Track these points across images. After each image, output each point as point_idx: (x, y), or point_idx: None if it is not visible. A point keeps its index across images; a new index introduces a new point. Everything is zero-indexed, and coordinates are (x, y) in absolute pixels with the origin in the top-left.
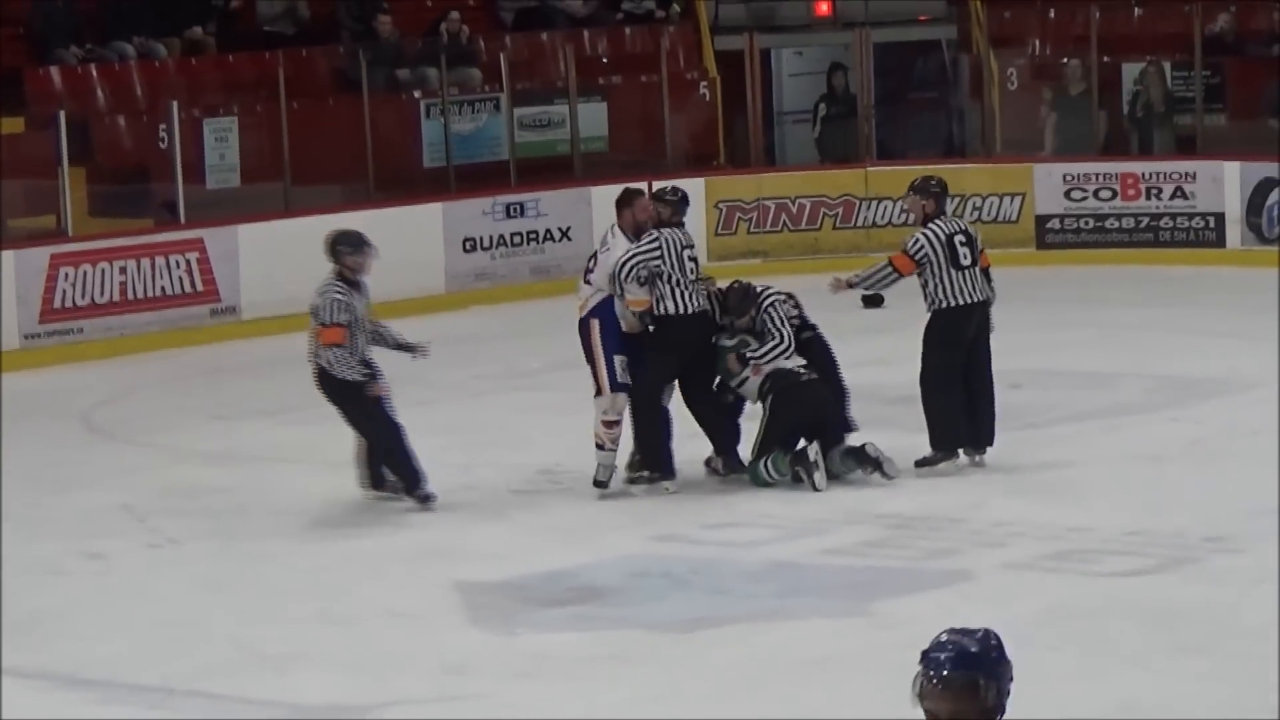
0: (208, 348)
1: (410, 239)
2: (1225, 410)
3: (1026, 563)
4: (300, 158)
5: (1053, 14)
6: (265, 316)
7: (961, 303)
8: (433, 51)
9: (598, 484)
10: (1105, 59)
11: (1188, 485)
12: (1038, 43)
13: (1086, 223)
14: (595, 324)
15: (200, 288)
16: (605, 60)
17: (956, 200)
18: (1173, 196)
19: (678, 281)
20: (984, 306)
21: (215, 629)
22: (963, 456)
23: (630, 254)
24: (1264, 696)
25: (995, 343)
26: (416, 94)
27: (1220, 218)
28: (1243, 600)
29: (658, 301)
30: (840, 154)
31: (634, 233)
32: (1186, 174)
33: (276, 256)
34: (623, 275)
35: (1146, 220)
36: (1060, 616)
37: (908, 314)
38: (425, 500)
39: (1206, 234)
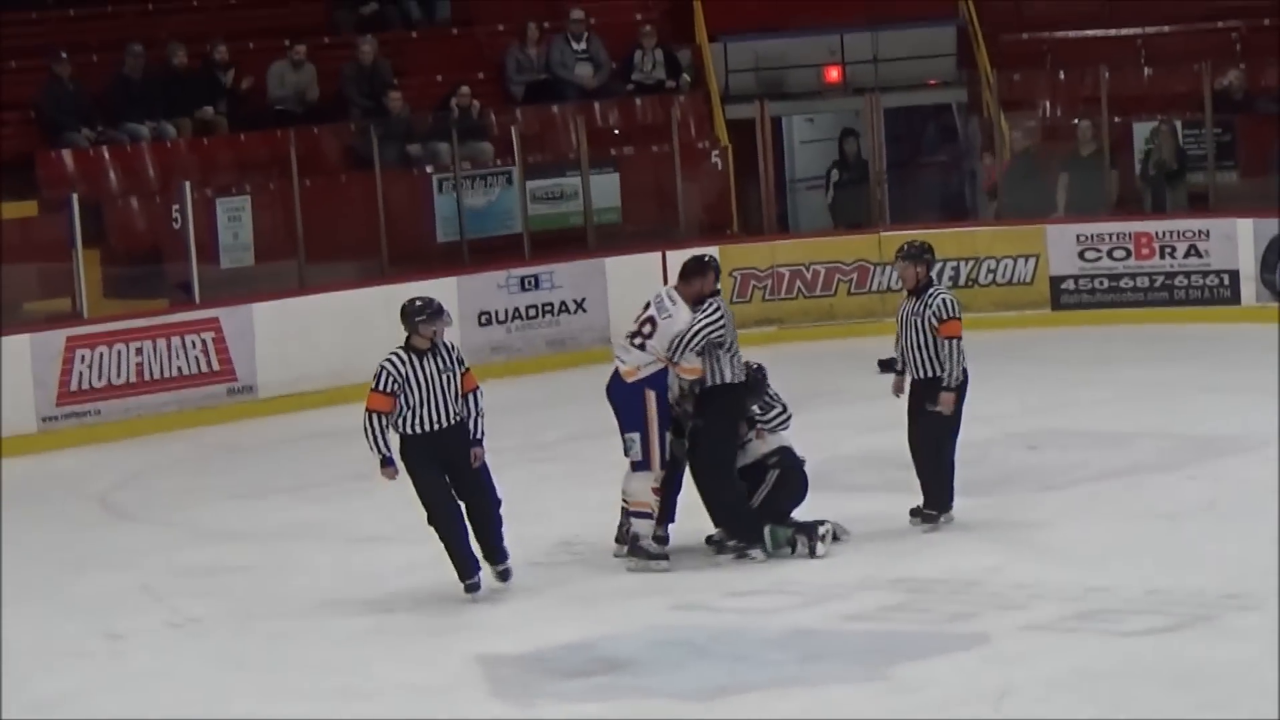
0: (225, 427)
1: None
2: (1242, 468)
3: (1046, 624)
4: (314, 235)
5: (1062, 75)
6: (282, 394)
7: (964, 370)
8: (444, 126)
9: (651, 555)
10: (1116, 119)
11: (1206, 543)
12: (1048, 104)
13: (1101, 283)
14: (651, 395)
15: (217, 367)
16: (617, 131)
17: (971, 263)
18: (1186, 255)
19: (736, 352)
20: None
21: (236, 708)
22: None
23: (701, 324)
24: None
25: (1014, 404)
26: (429, 169)
27: (1235, 275)
28: (1263, 657)
29: (714, 372)
30: (854, 219)
31: (694, 302)
32: (1200, 232)
33: (292, 334)
34: (694, 344)
35: (1161, 279)
36: (1081, 678)
37: None
38: (468, 590)
39: (1221, 291)
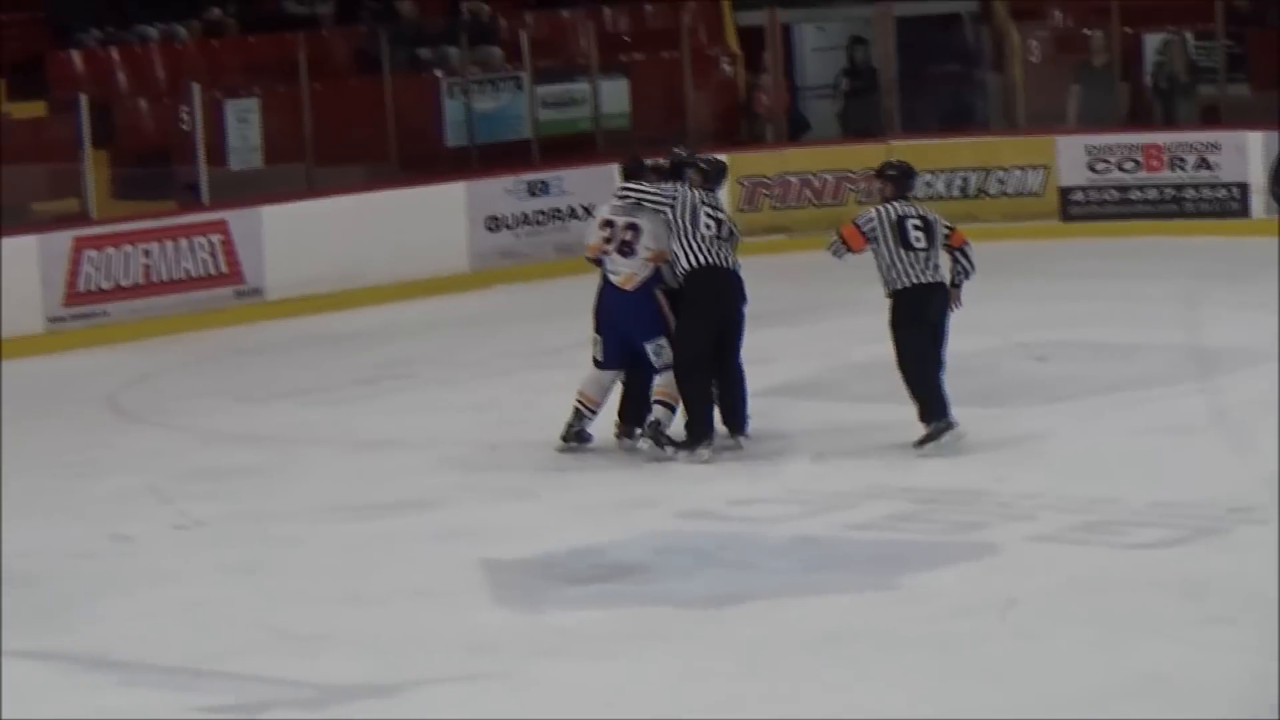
0: (232, 329)
1: (434, 218)
2: (1250, 381)
3: (1053, 535)
4: (323, 138)
5: None
6: (290, 297)
7: (916, 282)
8: (454, 30)
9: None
10: (1127, 30)
11: (1213, 457)
12: (1059, 14)
13: (1110, 194)
14: (661, 294)
15: (224, 269)
16: (627, 37)
17: (982, 174)
18: (1196, 167)
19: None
20: (942, 288)
21: (242, 610)
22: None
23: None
24: None
25: (1022, 315)
26: (438, 73)
27: (1244, 188)
28: (1270, 570)
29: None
30: (863, 128)
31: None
32: (1210, 144)
33: (300, 237)
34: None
35: (1171, 191)
36: (1087, 589)
37: None
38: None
39: (1231, 204)
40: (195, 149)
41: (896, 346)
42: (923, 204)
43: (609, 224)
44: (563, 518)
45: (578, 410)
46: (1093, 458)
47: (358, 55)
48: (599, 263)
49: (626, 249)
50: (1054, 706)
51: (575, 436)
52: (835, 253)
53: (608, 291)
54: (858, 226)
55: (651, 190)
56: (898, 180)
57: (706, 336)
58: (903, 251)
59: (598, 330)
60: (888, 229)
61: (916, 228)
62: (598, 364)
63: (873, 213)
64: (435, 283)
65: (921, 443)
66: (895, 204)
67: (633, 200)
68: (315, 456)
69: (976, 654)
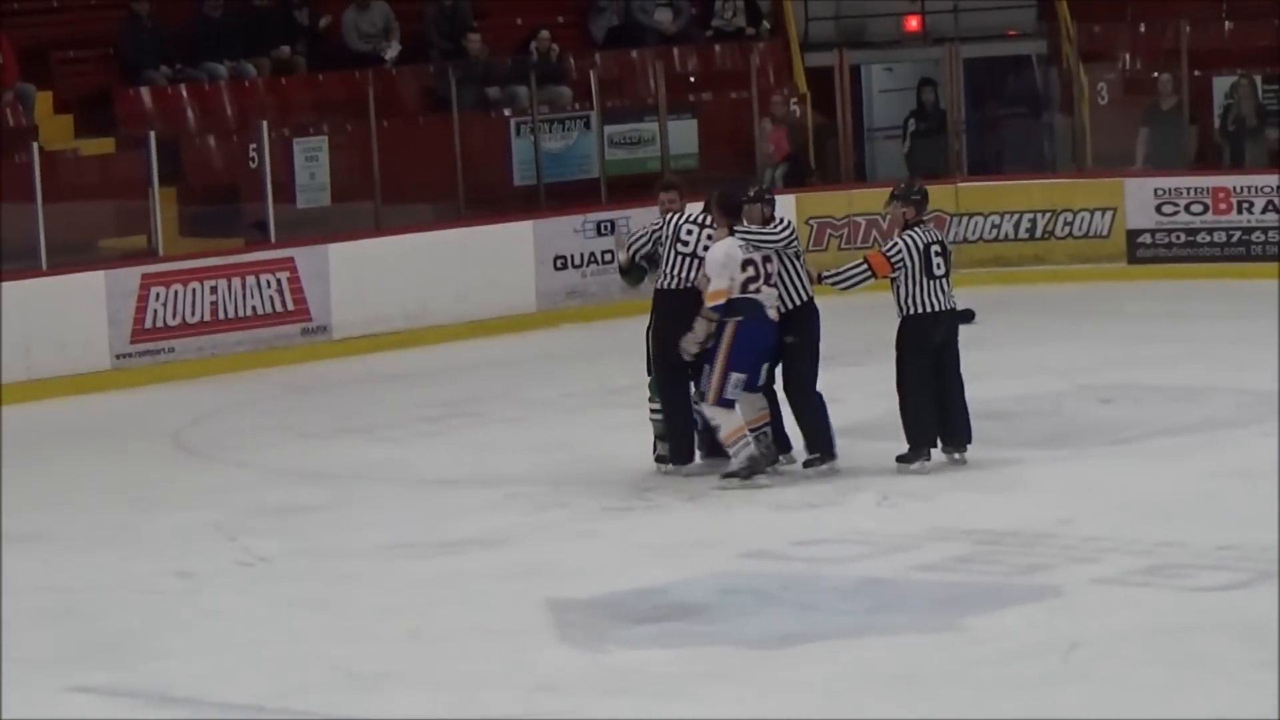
0: (299, 367)
1: (501, 257)
2: None
3: (1117, 578)
4: (390, 176)
5: (1143, 28)
6: (356, 335)
7: (930, 309)
8: (522, 69)
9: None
10: (1196, 73)
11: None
12: (1128, 57)
13: (1178, 237)
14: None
15: (291, 307)
16: (695, 77)
17: (1050, 216)
18: (1264, 210)
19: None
20: (952, 314)
21: (306, 648)
22: (940, 455)
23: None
24: None
25: (1088, 358)
26: (506, 112)
27: None
28: None
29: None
30: (930, 169)
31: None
32: (1278, 188)
33: (367, 275)
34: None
35: (1238, 234)
36: (1150, 632)
37: (1001, 330)
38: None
39: None
40: (263, 186)
41: (899, 370)
42: (937, 230)
43: (750, 263)
44: (627, 557)
45: (744, 440)
46: (1157, 500)
47: (426, 94)
48: (727, 306)
49: (771, 283)
50: None
51: (767, 463)
52: (844, 284)
53: (758, 327)
54: (886, 256)
55: (765, 232)
56: (920, 204)
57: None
58: (925, 280)
59: (741, 368)
60: (916, 257)
61: (938, 254)
62: (744, 391)
63: (899, 241)
64: (502, 322)
65: (900, 460)
66: (918, 230)
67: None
68: (380, 494)
69: (1039, 696)
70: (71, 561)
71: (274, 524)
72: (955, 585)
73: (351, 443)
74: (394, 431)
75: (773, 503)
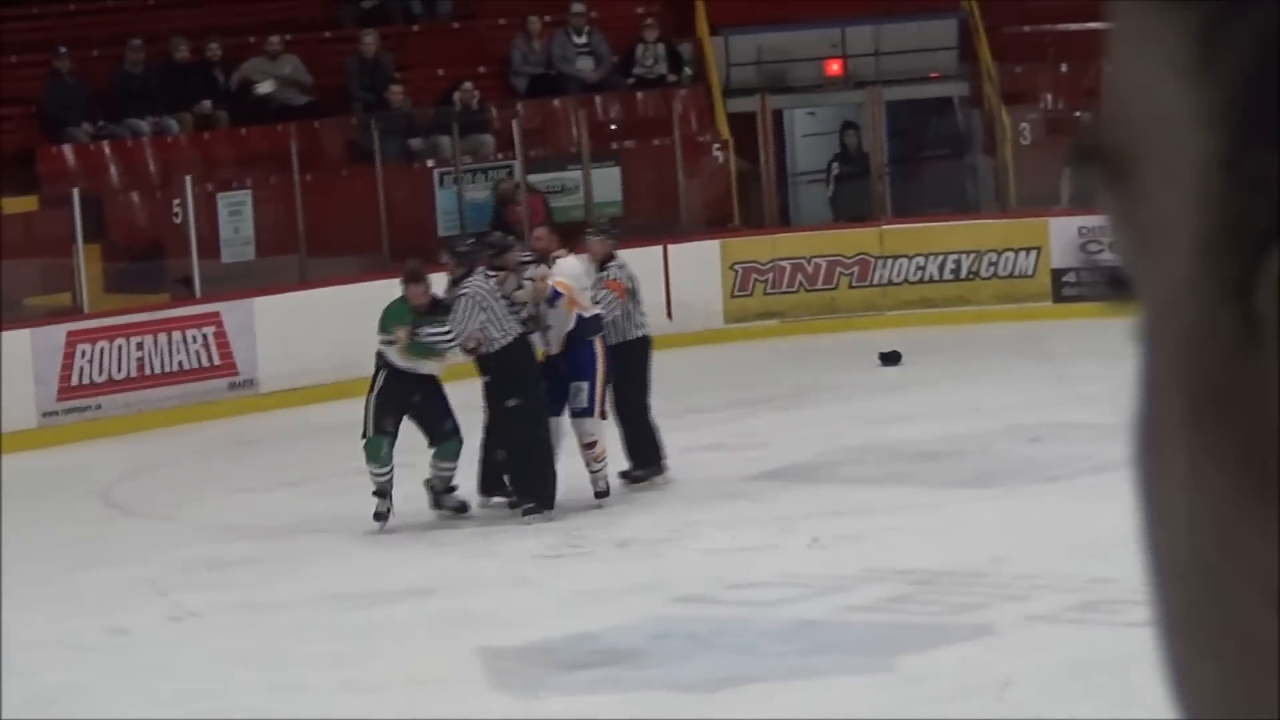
0: (227, 421)
1: None
2: None
3: (1050, 615)
4: (315, 229)
5: (1064, 68)
6: (283, 389)
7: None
8: (445, 120)
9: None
10: None
11: None
12: (1050, 97)
13: (1103, 275)
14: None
15: (218, 361)
16: (617, 125)
17: (974, 257)
18: None
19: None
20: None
21: (238, 701)
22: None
23: None
24: None
25: (1016, 397)
26: (430, 163)
27: None
28: None
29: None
30: (855, 213)
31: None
32: None
33: (293, 328)
34: None
35: None
36: (1086, 668)
37: (928, 371)
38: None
39: None
40: (188, 242)
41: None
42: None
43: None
44: (560, 604)
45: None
46: (1089, 537)
47: (349, 146)
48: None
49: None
50: None
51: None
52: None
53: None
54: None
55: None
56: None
57: None
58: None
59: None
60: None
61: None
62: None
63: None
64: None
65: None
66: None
67: None
68: (311, 546)
69: None
70: (3, 619)
71: (205, 578)
72: (889, 626)
73: (282, 496)
74: (324, 484)
75: (704, 547)
